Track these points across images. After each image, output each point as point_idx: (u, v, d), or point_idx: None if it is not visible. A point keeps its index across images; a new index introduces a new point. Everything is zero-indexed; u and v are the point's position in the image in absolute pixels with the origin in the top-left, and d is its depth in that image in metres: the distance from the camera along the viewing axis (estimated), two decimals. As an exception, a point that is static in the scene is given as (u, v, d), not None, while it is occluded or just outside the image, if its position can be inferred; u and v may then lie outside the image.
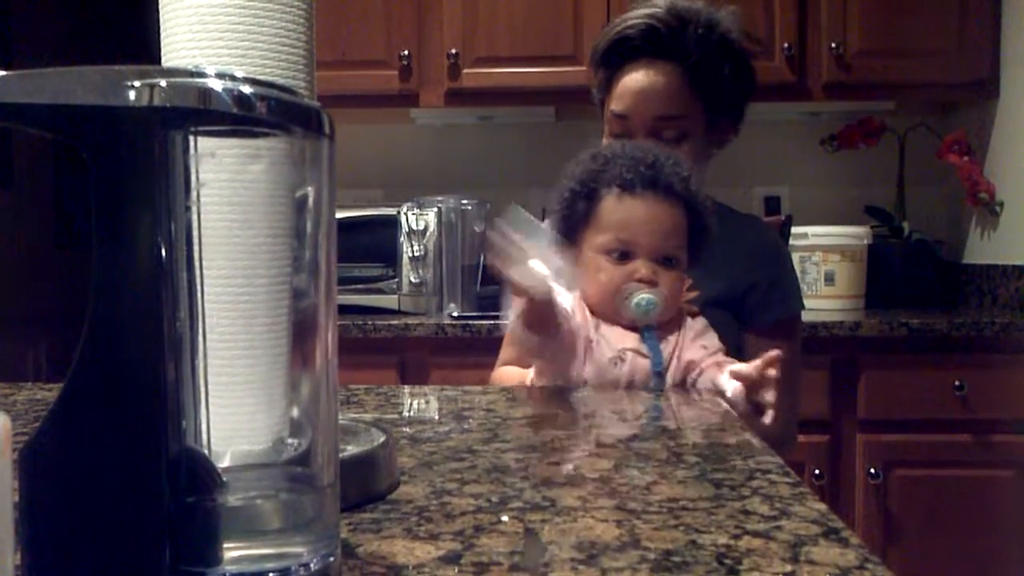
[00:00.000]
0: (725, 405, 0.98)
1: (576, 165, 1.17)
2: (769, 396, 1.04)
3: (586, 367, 1.09)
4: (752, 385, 1.04)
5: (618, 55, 1.36)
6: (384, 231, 2.39)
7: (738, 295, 1.34)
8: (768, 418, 1.04)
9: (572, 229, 1.15)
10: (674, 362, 1.10)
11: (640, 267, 1.09)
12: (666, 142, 1.31)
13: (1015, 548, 2.09)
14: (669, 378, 1.09)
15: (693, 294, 1.17)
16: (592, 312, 1.12)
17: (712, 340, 1.14)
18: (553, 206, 1.18)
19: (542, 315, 1.03)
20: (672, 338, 1.11)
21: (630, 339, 1.09)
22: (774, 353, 1.05)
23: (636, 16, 1.34)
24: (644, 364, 1.08)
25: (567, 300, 1.11)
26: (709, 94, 1.34)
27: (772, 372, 1.04)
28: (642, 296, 1.07)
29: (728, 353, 1.18)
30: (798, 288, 1.43)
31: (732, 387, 1.05)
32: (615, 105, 1.36)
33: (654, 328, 1.10)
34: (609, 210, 1.12)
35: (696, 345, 1.12)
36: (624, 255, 1.10)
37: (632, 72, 1.34)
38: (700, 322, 1.16)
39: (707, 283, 1.24)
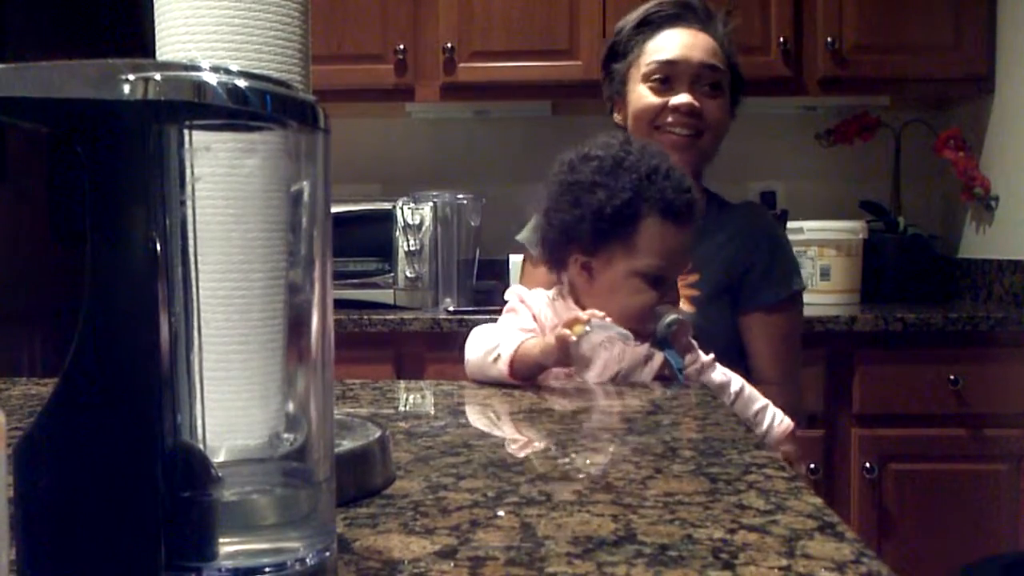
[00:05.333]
0: (720, 399, 0.98)
1: (603, 172, 1.13)
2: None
3: (576, 352, 1.10)
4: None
5: (656, 23, 1.45)
6: (380, 226, 2.39)
7: (736, 281, 1.37)
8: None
9: (603, 239, 1.12)
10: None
11: (670, 289, 1.14)
12: (707, 95, 1.41)
13: (1008, 541, 2.09)
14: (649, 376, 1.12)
15: (694, 277, 1.19)
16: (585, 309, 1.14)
17: (699, 355, 1.18)
18: (562, 206, 1.15)
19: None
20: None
21: (615, 329, 1.12)
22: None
23: None
24: (632, 351, 1.10)
25: (541, 303, 1.13)
26: (732, 66, 1.45)
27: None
28: (673, 317, 1.11)
29: (726, 341, 1.22)
30: (796, 267, 1.45)
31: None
32: (659, 55, 1.43)
33: (669, 339, 1.13)
34: (654, 237, 1.11)
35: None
36: (657, 279, 1.12)
37: (672, 31, 1.44)
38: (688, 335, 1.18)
39: (705, 274, 1.26)
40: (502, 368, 1.05)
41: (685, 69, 1.40)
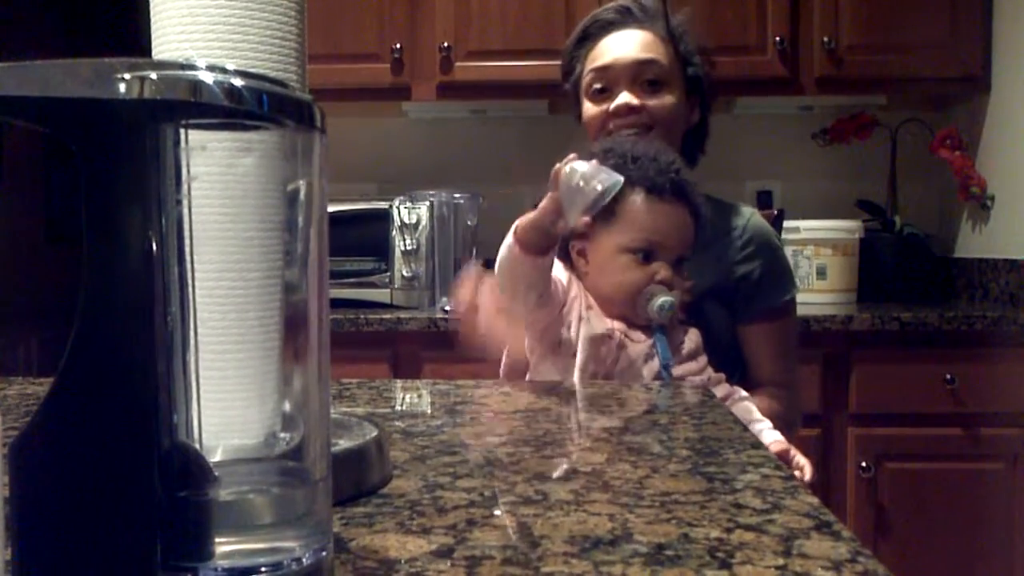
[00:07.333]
0: (717, 399, 0.98)
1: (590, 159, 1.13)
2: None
3: (578, 336, 1.10)
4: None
5: (593, 34, 1.42)
6: (376, 225, 2.39)
7: (732, 285, 1.37)
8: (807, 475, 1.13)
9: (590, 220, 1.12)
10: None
11: (662, 269, 1.12)
12: (647, 91, 1.35)
13: (1004, 540, 2.10)
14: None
15: (689, 283, 1.19)
16: (592, 297, 1.14)
17: (703, 359, 1.17)
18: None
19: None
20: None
21: (619, 322, 1.12)
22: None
23: (608, 5, 1.43)
24: (634, 347, 1.10)
25: (559, 272, 1.13)
26: (685, 55, 1.40)
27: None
28: (665, 299, 1.10)
29: (723, 344, 1.22)
30: (791, 272, 1.46)
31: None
32: (593, 63, 1.39)
33: (665, 327, 1.12)
34: (638, 211, 1.12)
35: (689, 364, 1.15)
36: (648, 256, 1.11)
37: (607, 38, 1.40)
38: (694, 339, 1.17)
39: (701, 276, 1.26)
40: (511, 244, 1.03)
41: (620, 71, 1.36)
